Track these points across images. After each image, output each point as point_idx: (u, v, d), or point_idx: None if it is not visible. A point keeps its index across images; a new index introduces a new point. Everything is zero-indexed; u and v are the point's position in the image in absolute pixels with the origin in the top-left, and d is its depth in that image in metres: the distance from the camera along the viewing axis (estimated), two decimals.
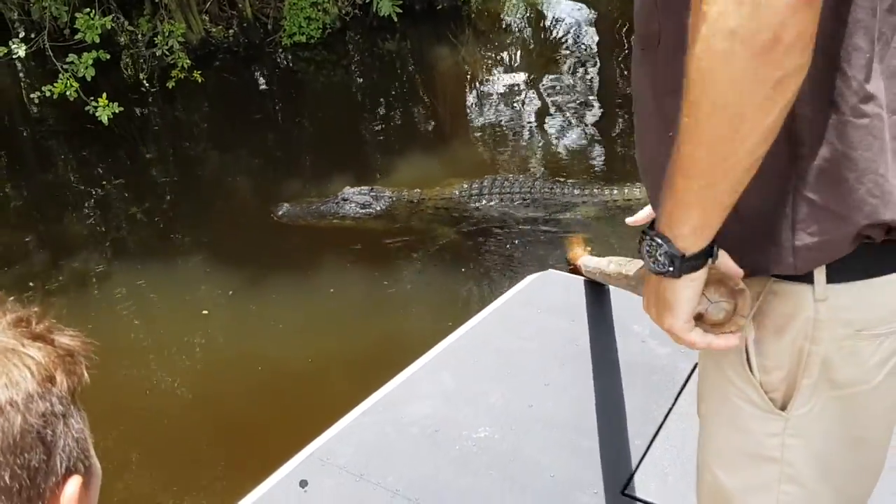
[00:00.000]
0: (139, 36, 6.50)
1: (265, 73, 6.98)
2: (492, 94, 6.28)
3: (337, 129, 5.91)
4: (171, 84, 5.80)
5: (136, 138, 5.78)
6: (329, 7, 6.91)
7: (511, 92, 6.21)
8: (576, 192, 4.17)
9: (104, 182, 5.35)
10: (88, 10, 5.22)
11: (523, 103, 6.00)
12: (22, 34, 5.04)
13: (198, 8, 6.57)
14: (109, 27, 5.21)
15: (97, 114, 4.83)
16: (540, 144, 5.37)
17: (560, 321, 2.44)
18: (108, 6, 5.89)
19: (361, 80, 6.96)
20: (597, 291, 2.53)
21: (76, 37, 5.26)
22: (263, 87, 6.88)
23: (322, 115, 6.20)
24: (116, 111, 4.87)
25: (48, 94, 4.85)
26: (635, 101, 1.02)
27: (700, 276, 0.86)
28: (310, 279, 3.90)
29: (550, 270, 2.72)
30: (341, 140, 5.70)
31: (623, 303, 2.42)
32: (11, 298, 0.70)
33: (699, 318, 0.89)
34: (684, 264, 0.84)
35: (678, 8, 0.78)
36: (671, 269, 0.85)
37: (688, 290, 0.86)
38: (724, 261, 0.88)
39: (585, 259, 2.57)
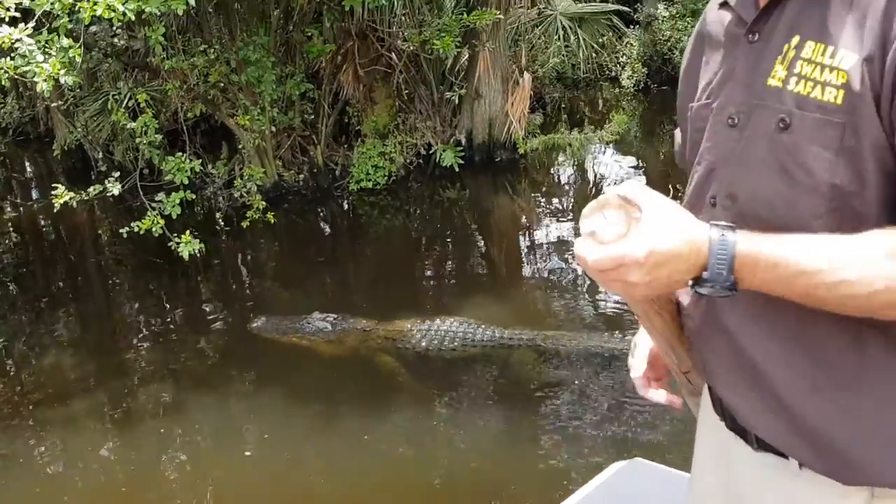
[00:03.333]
0: (216, 178, 6.90)
1: (331, 215, 7.29)
2: (544, 243, 6.45)
3: (395, 271, 6.07)
4: (245, 224, 6.08)
5: (202, 274, 6.00)
6: (395, 156, 7.29)
7: (562, 241, 6.38)
8: (508, 338, 4.41)
9: (166, 316, 5.53)
10: (181, 154, 5.59)
11: (573, 253, 6.13)
12: (117, 174, 5.36)
13: (273, 154, 6.97)
14: (197, 171, 5.54)
15: (180, 250, 5.05)
16: (586, 294, 5.42)
17: None
18: (195, 151, 6.31)
19: (421, 224, 7.22)
20: None
21: (166, 178, 5.61)
22: (328, 229, 7.17)
23: (382, 258, 6.39)
24: (198, 248, 5.09)
25: (136, 229, 5.11)
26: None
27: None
28: (344, 425, 3.91)
29: (638, 459, 2.59)
30: (399, 282, 5.83)
31: None
32: None
33: (591, 235, 0.90)
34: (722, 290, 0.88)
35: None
36: (714, 287, 0.88)
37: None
38: (634, 191, 0.90)
39: None
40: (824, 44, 0.90)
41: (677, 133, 1.31)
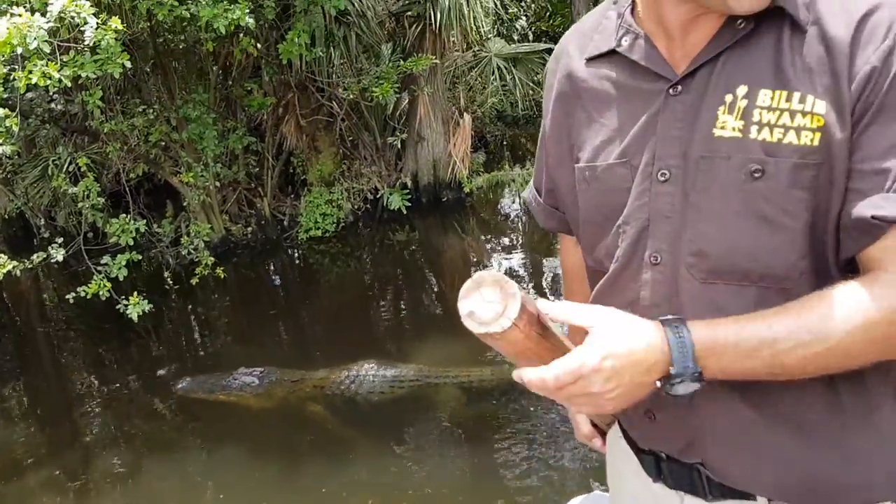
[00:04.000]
0: (162, 236, 6.85)
1: (281, 266, 7.28)
2: None
3: (350, 317, 6.08)
4: (194, 281, 6.04)
5: (153, 335, 5.92)
6: (343, 203, 7.35)
7: (513, 275, 6.49)
8: (434, 376, 4.51)
9: (118, 380, 5.42)
10: (124, 215, 5.55)
11: (526, 286, 6.25)
12: (60, 239, 5.30)
13: (219, 209, 6.96)
14: (142, 230, 5.51)
15: (128, 312, 4.99)
16: None
17: None
18: (140, 211, 6.28)
19: (373, 269, 7.25)
20: None
21: (111, 240, 5.56)
22: (280, 280, 7.15)
23: (336, 305, 6.40)
24: (146, 308, 5.04)
25: (83, 294, 5.05)
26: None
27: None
28: (302, 479, 3.88)
29: (597, 493, 2.61)
30: (354, 328, 5.84)
31: None
32: None
33: (470, 316, 0.92)
34: (687, 384, 0.90)
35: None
36: (684, 382, 0.89)
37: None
38: (585, 314, 0.92)
39: None
40: (786, 90, 0.91)
41: (530, 194, 1.30)
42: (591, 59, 1.08)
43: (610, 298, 1.07)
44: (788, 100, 0.91)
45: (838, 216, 0.92)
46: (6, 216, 8.08)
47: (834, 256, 0.94)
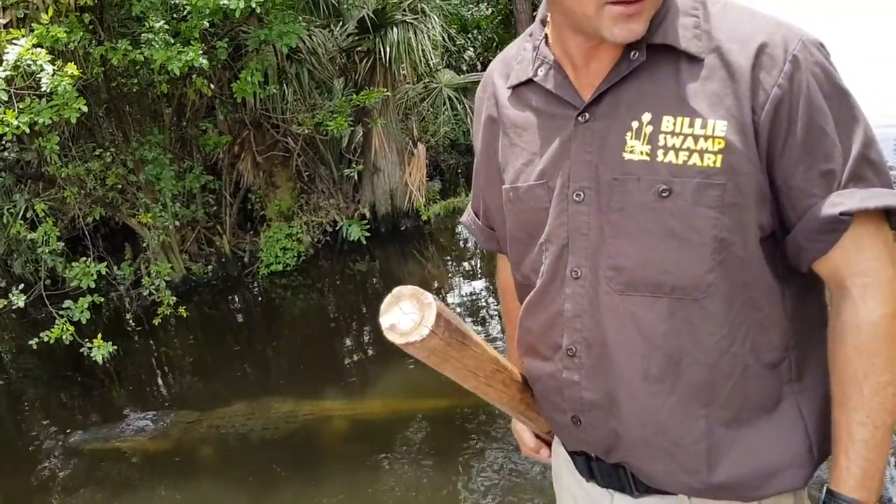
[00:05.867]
0: (122, 279, 6.83)
1: (244, 302, 7.30)
2: (456, 303, 6.64)
3: (314, 349, 6.12)
4: (156, 321, 6.04)
5: (117, 378, 5.88)
6: (302, 236, 7.42)
7: (474, 298, 6.61)
8: (328, 409, 4.68)
9: (83, 426, 5.34)
10: (84, 258, 5.55)
11: (487, 311, 6.37)
12: (21, 285, 5.27)
13: (179, 248, 6.98)
14: (104, 273, 5.51)
15: (93, 355, 4.98)
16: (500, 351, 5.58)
17: None
18: (99, 255, 6.26)
19: (335, 300, 7.31)
20: None
21: (71, 284, 5.55)
22: (242, 316, 7.16)
23: (299, 338, 6.44)
24: (111, 350, 5.04)
25: (46, 339, 5.02)
26: (626, 355, 1.06)
27: None
28: None
29: None
30: (319, 359, 5.88)
31: None
32: None
33: (391, 329, 0.97)
34: None
35: (752, 267, 1.00)
36: None
37: None
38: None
39: None
40: (688, 117, 0.96)
41: (469, 217, 1.37)
42: (512, 87, 1.16)
43: (538, 310, 1.17)
44: (691, 125, 0.97)
45: (773, 232, 0.99)
46: None
47: (767, 269, 1.00)
